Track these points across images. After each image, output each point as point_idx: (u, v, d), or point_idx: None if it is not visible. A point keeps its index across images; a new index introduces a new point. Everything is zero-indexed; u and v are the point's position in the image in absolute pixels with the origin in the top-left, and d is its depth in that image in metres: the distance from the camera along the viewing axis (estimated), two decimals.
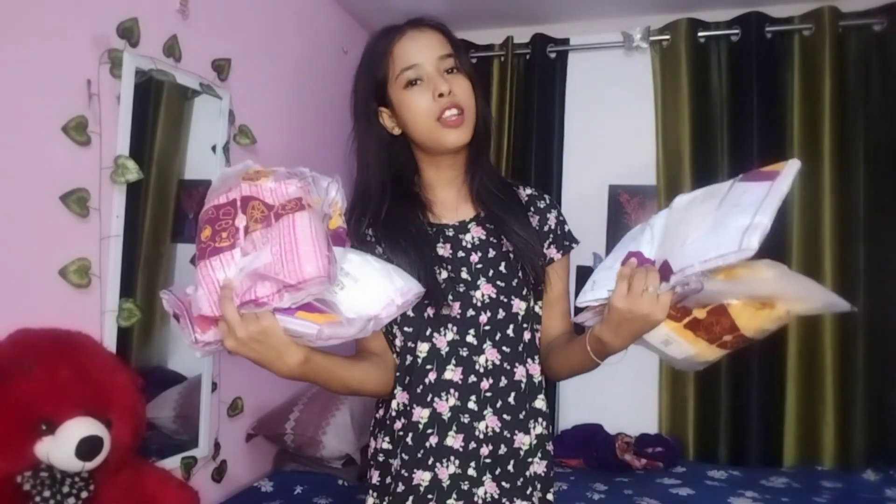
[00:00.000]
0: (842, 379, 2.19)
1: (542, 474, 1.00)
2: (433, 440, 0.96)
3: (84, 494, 1.13)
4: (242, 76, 1.86)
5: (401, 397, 0.99)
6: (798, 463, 2.21)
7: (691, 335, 0.84)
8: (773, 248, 2.47)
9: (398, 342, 0.99)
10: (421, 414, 0.97)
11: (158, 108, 1.60)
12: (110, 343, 1.39)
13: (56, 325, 1.22)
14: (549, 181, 2.57)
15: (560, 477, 2.05)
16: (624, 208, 2.57)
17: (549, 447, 1.03)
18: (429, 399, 0.96)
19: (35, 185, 1.26)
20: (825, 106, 2.23)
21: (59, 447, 1.08)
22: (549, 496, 1.02)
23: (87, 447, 1.09)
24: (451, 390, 0.96)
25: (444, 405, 0.96)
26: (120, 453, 1.18)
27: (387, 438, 1.01)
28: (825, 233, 2.21)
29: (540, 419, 1.01)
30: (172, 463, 1.60)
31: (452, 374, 0.96)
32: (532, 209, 1.11)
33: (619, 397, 2.50)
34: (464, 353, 0.97)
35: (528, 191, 1.14)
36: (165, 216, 1.65)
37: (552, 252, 1.09)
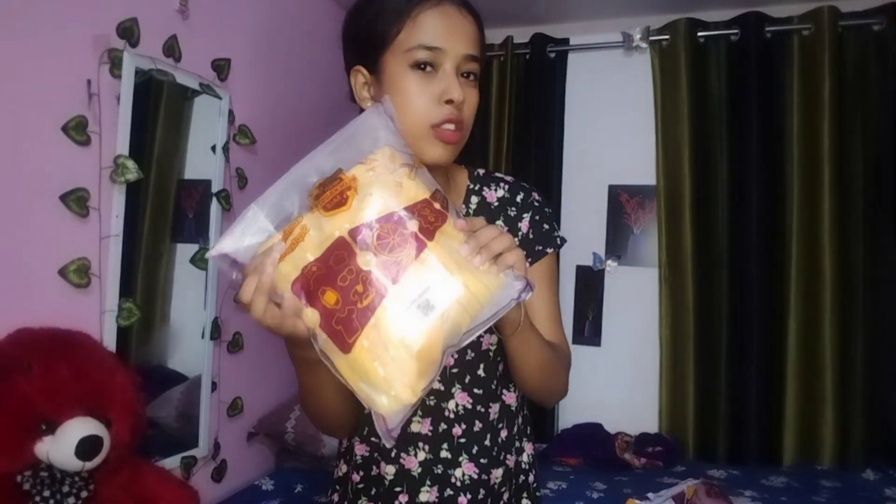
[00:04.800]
0: (841, 378, 2.19)
1: (526, 488, 0.94)
2: (403, 499, 0.87)
3: (84, 494, 1.13)
4: (242, 76, 1.86)
5: (360, 449, 0.90)
6: (797, 462, 2.21)
7: (412, 274, 0.60)
8: (773, 248, 2.48)
9: None
10: (386, 470, 0.87)
11: (158, 108, 1.60)
12: (110, 343, 1.40)
13: (56, 325, 1.22)
14: (549, 181, 2.57)
15: (559, 476, 2.05)
16: (624, 208, 2.57)
17: (529, 454, 0.95)
18: (393, 455, 0.87)
19: (35, 184, 1.26)
20: (825, 106, 2.23)
21: (59, 447, 1.08)
22: None
23: (87, 447, 1.09)
24: (420, 443, 0.87)
25: (414, 461, 0.87)
26: (119, 453, 1.18)
27: (339, 489, 0.93)
28: (825, 233, 2.21)
29: (516, 441, 0.93)
30: (172, 462, 1.60)
31: (420, 426, 0.87)
32: (501, 218, 0.91)
33: (618, 396, 2.50)
34: (432, 402, 0.88)
35: (500, 192, 0.93)
36: (165, 216, 1.65)
37: None
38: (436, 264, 0.61)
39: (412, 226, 0.61)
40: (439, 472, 0.87)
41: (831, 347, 2.19)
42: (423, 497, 0.87)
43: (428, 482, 0.87)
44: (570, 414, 2.53)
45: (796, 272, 2.26)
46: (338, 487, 0.95)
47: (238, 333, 1.87)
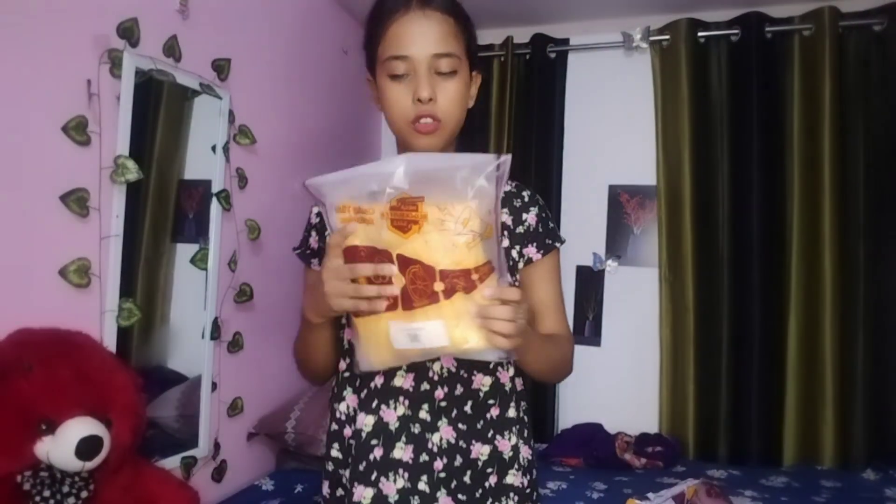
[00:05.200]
0: (842, 378, 2.19)
1: (520, 486, 0.95)
2: (378, 452, 0.90)
3: (84, 494, 1.13)
4: (242, 76, 1.86)
5: (351, 400, 0.96)
6: (798, 462, 2.21)
7: (419, 312, 0.73)
8: (773, 248, 2.48)
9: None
10: (365, 421, 0.92)
11: (158, 108, 1.60)
12: (110, 343, 1.39)
13: (56, 325, 1.22)
14: (549, 181, 2.57)
15: (559, 476, 2.05)
16: (624, 208, 2.57)
17: (525, 457, 0.96)
18: (374, 406, 0.92)
19: (35, 185, 1.26)
20: (825, 106, 2.23)
21: (59, 447, 1.08)
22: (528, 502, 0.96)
23: (87, 447, 1.09)
24: (401, 398, 0.91)
25: (392, 414, 0.91)
26: (120, 453, 1.18)
27: (335, 446, 0.97)
28: (825, 233, 2.21)
29: (513, 429, 0.95)
30: (172, 463, 1.60)
31: (402, 381, 0.92)
32: (507, 209, 0.99)
33: (619, 397, 2.50)
34: None
35: (507, 188, 1.01)
36: (165, 216, 1.65)
37: (531, 251, 0.98)
38: (437, 317, 0.72)
39: (438, 286, 0.72)
40: (416, 431, 0.90)
41: (832, 347, 2.19)
42: (396, 453, 0.89)
43: (404, 439, 0.90)
44: (570, 414, 2.53)
45: (797, 272, 2.26)
46: (330, 451, 0.99)
47: (238, 333, 1.87)
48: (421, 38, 0.87)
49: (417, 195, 0.71)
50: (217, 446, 1.79)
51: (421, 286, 0.72)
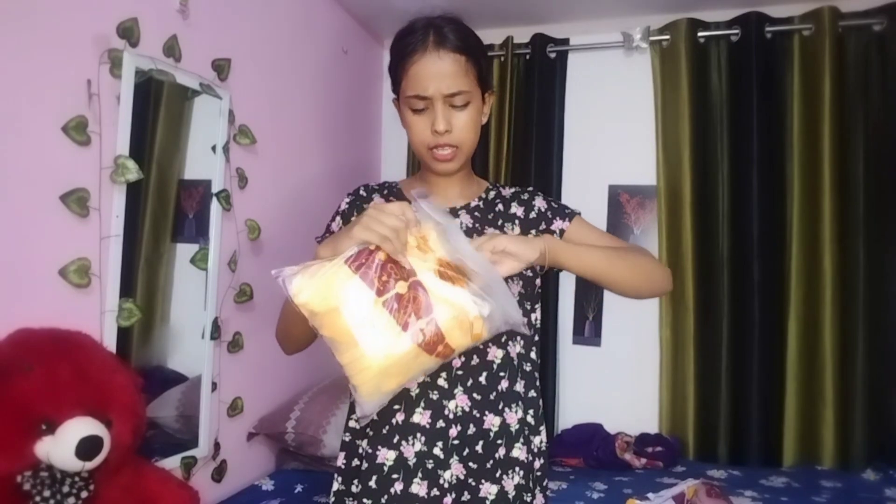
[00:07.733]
0: (842, 378, 2.19)
1: (524, 460, 1.00)
2: (399, 417, 0.98)
3: (84, 494, 1.13)
4: (242, 76, 1.86)
5: None
6: (798, 462, 2.22)
7: (387, 315, 0.82)
8: (773, 248, 2.48)
9: None
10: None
11: (158, 108, 1.60)
12: (110, 343, 1.39)
13: (56, 325, 1.22)
14: (549, 181, 2.57)
15: (560, 476, 2.05)
16: (624, 208, 2.57)
17: (534, 435, 1.04)
18: None
19: (35, 185, 1.26)
20: (825, 106, 2.23)
21: (59, 447, 1.08)
22: (531, 484, 1.01)
23: (87, 447, 1.09)
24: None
25: (413, 383, 0.98)
26: (120, 453, 1.18)
27: (353, 416, 1.04)
28: (825, 233, 2.21)
29: (520, 403, 1.02)
30: (172, 463, 1.60)
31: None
32: (516, 202, 1.14)
33: (619, 397, 2.50)
34: None
35: (513, 190, 1.17)
36: (165, 216, 1.65)
37: (558, 224, 1.12)
38: (387, 329, 0.82)
39: (420, 324, 0.82)
40: (434, 398, 0.98)
41: (831, 347, 2.19)
42: (415, 418, 0.97)
43: (422, 405, 0.98)
44: (570, 414, 2.53)
45: (797, 272, 2.26)
46: (348, 423, 1.07)
47: (238, 333, 1.87)
48: (436, 79, 0.98)
49: (470, 275, 0.85)
50: (217, 446, 1.79)
51: (411, 308, 0.82)
